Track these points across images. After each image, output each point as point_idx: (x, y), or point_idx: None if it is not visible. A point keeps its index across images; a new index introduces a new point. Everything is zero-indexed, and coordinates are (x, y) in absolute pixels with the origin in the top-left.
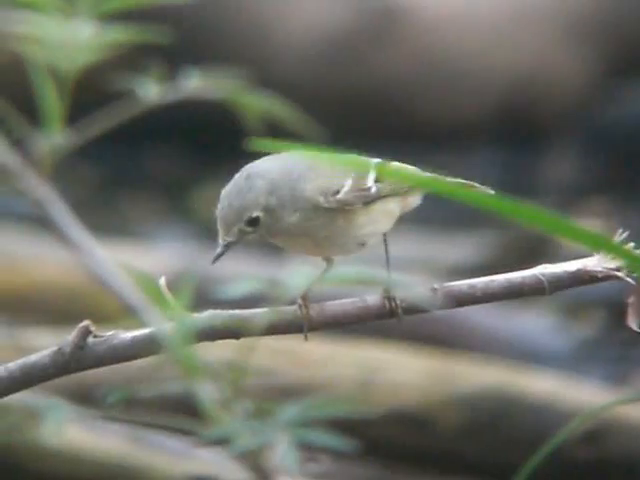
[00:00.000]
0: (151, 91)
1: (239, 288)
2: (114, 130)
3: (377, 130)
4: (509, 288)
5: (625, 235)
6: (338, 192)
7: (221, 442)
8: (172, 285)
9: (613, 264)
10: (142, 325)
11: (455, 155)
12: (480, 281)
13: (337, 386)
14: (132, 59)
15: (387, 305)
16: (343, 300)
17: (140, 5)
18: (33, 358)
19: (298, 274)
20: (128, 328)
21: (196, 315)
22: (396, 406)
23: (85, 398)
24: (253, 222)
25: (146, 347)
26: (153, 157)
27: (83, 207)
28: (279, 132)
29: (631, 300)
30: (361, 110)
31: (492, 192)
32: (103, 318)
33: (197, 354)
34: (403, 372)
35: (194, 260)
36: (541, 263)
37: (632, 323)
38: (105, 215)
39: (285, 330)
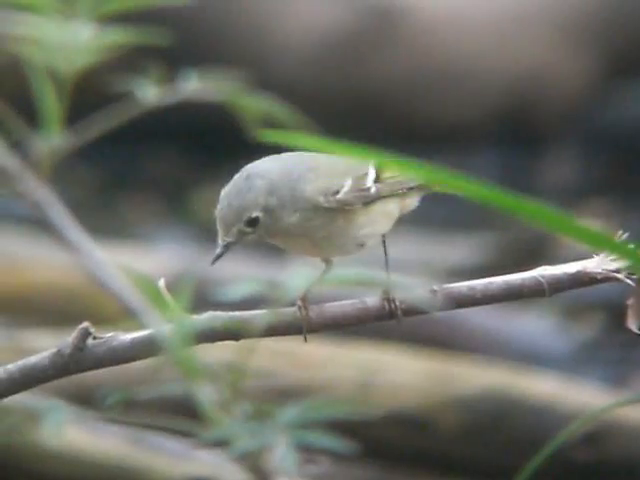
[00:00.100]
0: (150, 93)
1: (238, 290)
2: (113, 132)
3: (376, 132)
4: (508, 290)
5: (625, 237)
6: (338, 192)
7: (220, 444)
8: (171, 287)
9: (613, 266)
10: (141, 327)
11: (455, 157)
12: (479, 283)
13: (337, 388)
14: (131, 61)
15: (387, 307)
16: (343, 302)
17: (139, 7)
18: (33, 360)
19: (297, 276)
20: (127, 330)
21: (195, 317)
22: (396, 408)
23: (85, 400)
24: (252, 222)
25: (145, 349)
26: (152, 159)
27: (82, 209)
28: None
29: (631, 302)
30: (360, 112)
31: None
32: (102, 320)
33: (196, 356)
34: (403, 374)
35: (193, 262)
36: (540, 264)
37: (632, 325)
38: (104, 217)
39: (284, 332)
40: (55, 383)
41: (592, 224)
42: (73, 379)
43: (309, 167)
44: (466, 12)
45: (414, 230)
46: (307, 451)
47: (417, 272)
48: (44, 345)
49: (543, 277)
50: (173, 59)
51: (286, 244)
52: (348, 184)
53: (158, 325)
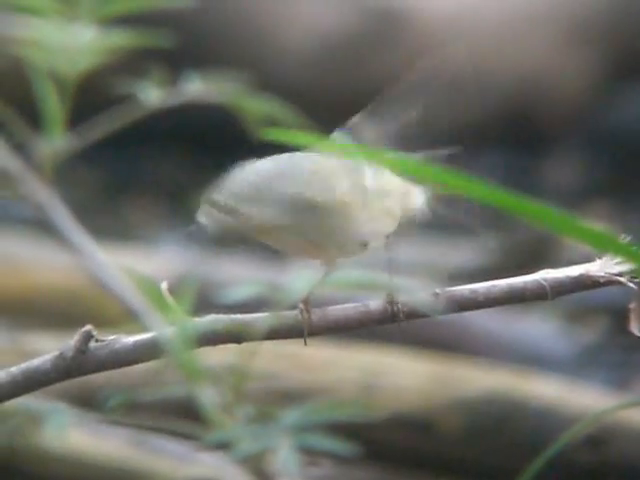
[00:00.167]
0: (152, 95)
1: (240, 292)
2: (116, 134)
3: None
4: (511, 293)
5: (628, 239)
6: (335, 190)
7: (223, 446)
8: (173, 289)
9: (616, 269)
10: (144, 329)
11: (459, 157)
12: (482, 286)
13: (339, 390)
14: (133, 63)
15: (389, 309)
16: (345, 305)
17: (141, 9)
18: (35, 363)
19: (299, 278)
20: (130, 332)
21: (197, 319)
22: (398, 410)
23: (87, 402)
24: (231, 211)
25: (148, 352)
26: (155, 161)
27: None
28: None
29: (633, 305)
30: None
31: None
32: (105, 322)
33: (199, 358)
34: (405, 376)
35: (196, 264)
36: (543, 267)
37: (634, 328)
38: (106, 219)
39: (286, 335)
40: (57, 385)
41: (595, 225)
42: (75, 381)
43: (306, 166)
44: (468, 14)
45: (416, 232)
46: (309, 453)
47: (419, 274)
48: (46, 347)
49: (546, 280)
50: (175, 61)
51: (284, 245)
52: (346, 181)
53: (160, 328)
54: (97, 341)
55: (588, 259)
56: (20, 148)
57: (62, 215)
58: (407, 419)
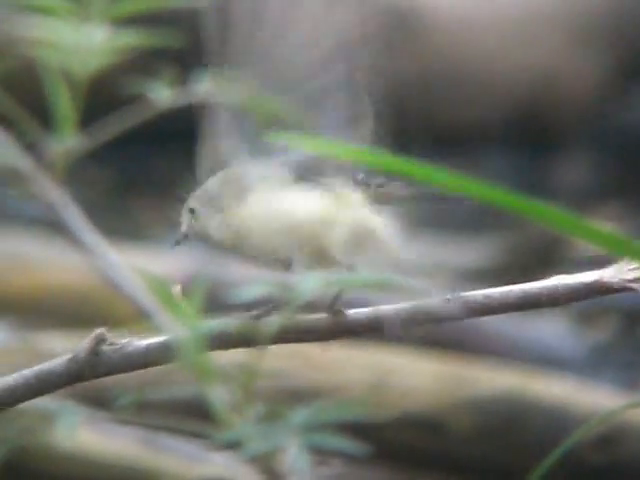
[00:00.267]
0: (163, 95)
1: (251, 292)
2: (127, 134)
3: (390, 132)
4: (525, 299)
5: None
6: (299, 209)
7: (233, 445)
8: (184, 289)
9: (630, 275)
10: (155, 329)
11: (469, 158)
12: (496, 291)
13: (349, 389)
14: (144, 63)
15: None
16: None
17: (153, 9)
18: (48, 365)
19: (311, 279)
20: (141, 332)
21: (209, 321)
22: (408, 410)
23: (97, 401)
24: (191, 212)
25: (160, 355)
26: (166, 161)
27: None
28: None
29: None
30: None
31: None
32: (115, 322)
33: (209, 357)
34: (415, 376)
35: (206, 264)
36: (550, 267)
37: None
38: (117, 219)
39: (300, 338)
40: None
41: (605, 227)
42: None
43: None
44: (479, 12)
45: (426, 232)
46: (320, 453)
47: (429, 274)
48: (57, 347)
49: (559, 287)
50: (185, 61)
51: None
52: (293, 188)
53: (172, 329)
54: (110, 344)
55: (597, 259)
56: (31, 147)
57: (73, 215)
58: (417, 419)
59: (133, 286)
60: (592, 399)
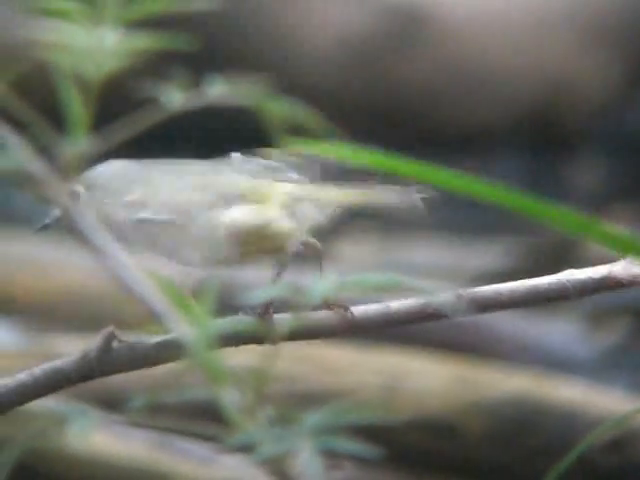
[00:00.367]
0: (175, 98)
1: (262, 294)
2: (139, 137)
3: (400, 136)
4: (535, 294)
5: None
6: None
7: (245, 448)
8: (195, 290)
9: (639, 270)
10: (166, 331)
11: (479, 161)
12: (505, 287)
13: (361, 392)
14: (157, 66)
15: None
16: (368, 305)
17: (165, 12)
18: (58, 363)
19: (322, 280)
20: (153, 334)
21: (219, 320)
22: (420, 413)
23: (109, 404)
24: (75, 195)
25: (170, 352)
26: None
27: None
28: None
29: None
30: (383, 115)
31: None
32: (128, 324)
33: (221, 360)
34: (428, 379)
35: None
36: (564, 269)
37: None
38: None
39: (308, 336)
40: (80, 387)
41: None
42: (98, 383)
43: (140, 186)
44: (489, 16)
45: (438, 235)
46: (332, 456)
47: (442, 277)
48: (71, 349)
49: (569, 281)
50: (198, 64)
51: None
52: (197, 194)
53: (183, 329)
54: (120, 342)
55: (609, 260)
56: (44, 150)
57: (85, 217)
58: (429, 422)
59: (145, 288)
60: (603, 402)
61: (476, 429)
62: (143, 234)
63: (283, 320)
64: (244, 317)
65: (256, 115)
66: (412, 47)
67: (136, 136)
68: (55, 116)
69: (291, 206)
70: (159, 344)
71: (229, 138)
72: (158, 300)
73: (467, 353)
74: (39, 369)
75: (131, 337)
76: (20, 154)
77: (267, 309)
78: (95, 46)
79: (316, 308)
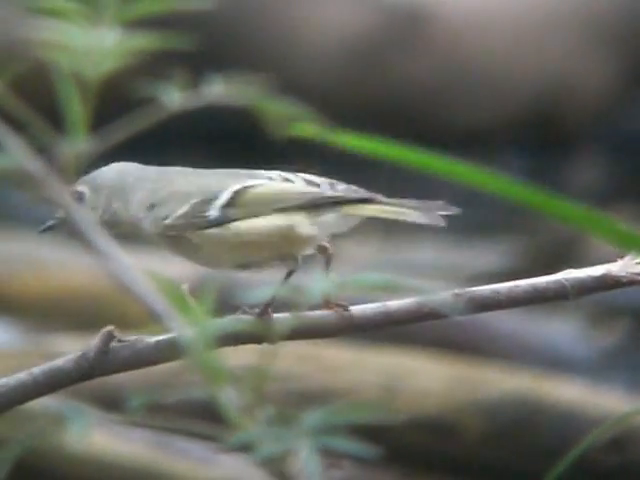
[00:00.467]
0: (175, 97)
1: (262, 293)
2: (138, 137)
3: (402, 135)
4: (533, 293)
5: None
6: (167, 217)
7: (244, 448)
8: (195, 290)
9: (638, 269)
10: (166, 331)
11: (481, 160)
12: (504, 286)
13: (361, 392)
14: (156, 66)
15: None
16: (367, 305)
17: (164, 12)
18: (57, 363)
19: (321, 280)
20: (152, 334)
21: (219, 320)
22: (419, 412)
23: (109, 403)
24: (79, 196)
25: (170, 352)
26: (178, 164)
27: None
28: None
29: None
30: (385, 114)
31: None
32: (128, 324)
33: (220, 359)
34: (427, 378)
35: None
36: (564, 269)
37: None
38: None
39: (307, 335)
40: (80, 386)
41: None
42: (97, 382)
43: (152, 187)
44: (490, 15)
45: (438, 235)
46: (331, 455)
47: (441, 277)
48: (71, 349)
49: (567, 280)
50: (198, 64)
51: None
52: (184, 209)
53: (182, 329)
54: (119, 342)
55: (611, 259)
56: (43, 150)
57: (85, 217)
58: (428, 421)
59: (144, 288)
60: (602, 401)
61: (475, 428)
62: (158, 235)
63: (282, 320)
64: (243, 317)
65: (256, 115)
66: (412, 47)
67: (136, 136)
68: (54, 116)
69: (317, 215)
70: (158, 344)
71: (229, 138)
72: (158, 300)
73: (466, 353)
74: (39, 369)
75: (131, 337)
76: (19, 154)
77: (266, 309)
78: (94, 46)
79: (316, 308)
